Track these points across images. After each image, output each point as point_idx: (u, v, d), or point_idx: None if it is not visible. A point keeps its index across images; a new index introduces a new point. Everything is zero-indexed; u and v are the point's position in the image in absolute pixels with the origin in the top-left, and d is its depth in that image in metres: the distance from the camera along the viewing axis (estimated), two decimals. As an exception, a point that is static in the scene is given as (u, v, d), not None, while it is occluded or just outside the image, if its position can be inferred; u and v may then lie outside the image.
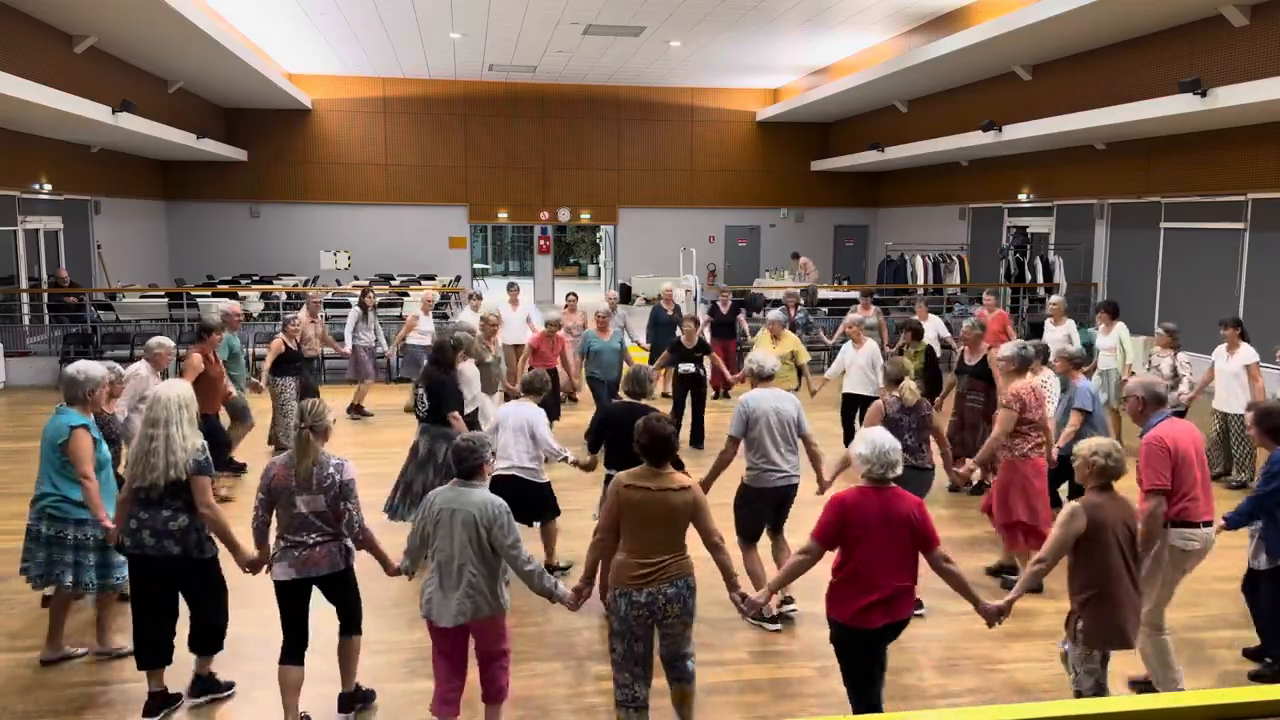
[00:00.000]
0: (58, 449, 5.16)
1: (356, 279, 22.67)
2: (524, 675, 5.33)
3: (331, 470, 4.52)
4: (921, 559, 4.24)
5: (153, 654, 4.79)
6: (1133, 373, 10.04)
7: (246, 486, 9.00)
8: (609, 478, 5.99)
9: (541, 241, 26.84)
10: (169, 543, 4.62)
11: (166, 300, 16.48)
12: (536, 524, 6.68)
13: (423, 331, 12.46)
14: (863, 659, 4.25)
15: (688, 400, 10.47)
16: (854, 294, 19.03)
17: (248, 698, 5.07)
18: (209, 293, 17.28)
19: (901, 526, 4.11)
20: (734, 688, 5.22)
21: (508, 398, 9.74)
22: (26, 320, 16.36)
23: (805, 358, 10.26)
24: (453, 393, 7.05)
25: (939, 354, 10.78)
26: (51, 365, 14.69)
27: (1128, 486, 4.60)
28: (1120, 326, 10.40)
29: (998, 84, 18.10)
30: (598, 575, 4.60)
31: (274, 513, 4.60)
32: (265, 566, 4.74)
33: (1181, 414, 9.22)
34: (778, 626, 5.91)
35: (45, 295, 16.41)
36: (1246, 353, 8.82)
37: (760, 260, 26.33)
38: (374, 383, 12.41)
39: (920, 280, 19.87)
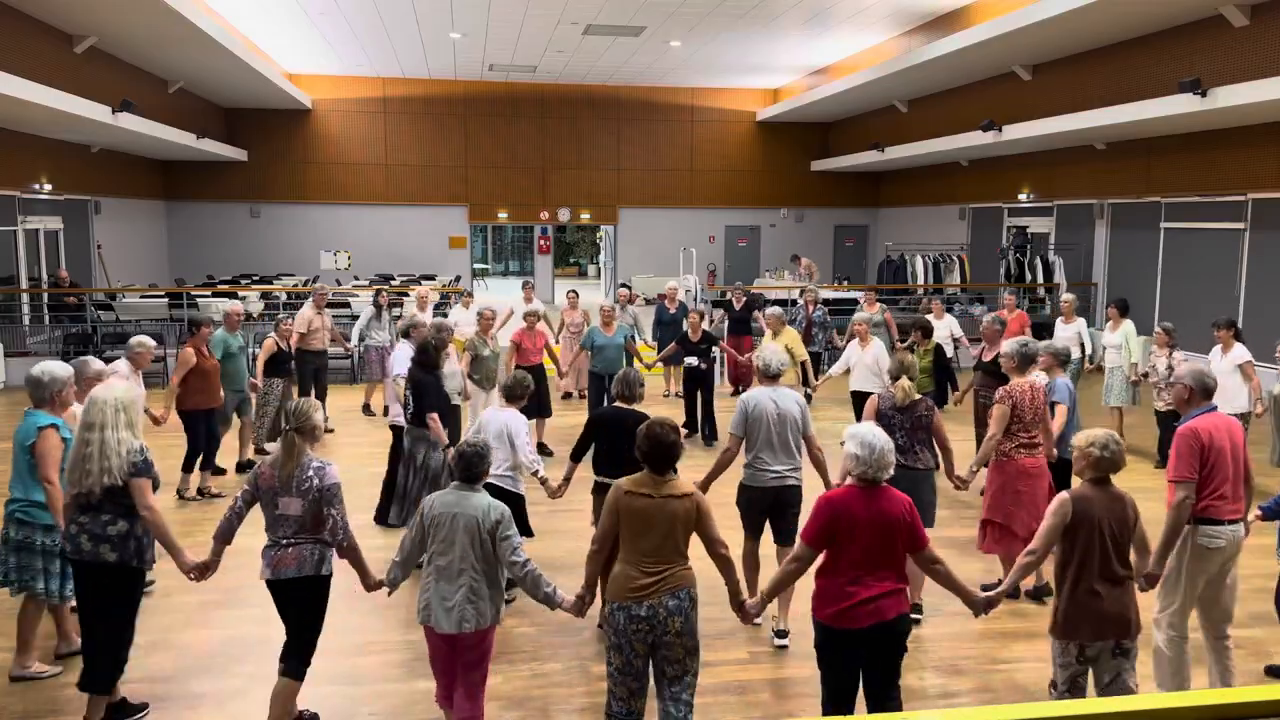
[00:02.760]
0: (27, 450, 5.05)
1: (356, 279, 22.69)
2: (524, 675, 5.33)
3: (311, 474, 4.39)
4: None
5: (96, 678, 4.58)
6: (1143, 374, 10.08)
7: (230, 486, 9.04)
8: (598, 485, 5.93)
9: (541, 241, 26.83)
10: (105, 548, 4.47)
11: (166, 300, 16.48)
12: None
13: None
14: (844, 664, 4.03)
15: (698, 396, 10.49)
16: (854, 294, 19.08)
17: (247, 697, 5.07)
18: (209, 293, 17.29)
19: (891, 527, 3.98)
20: (734, 688, 5.22)
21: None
22: (27, 320, 16.37)
23: (802, 353, 10.24)
24: (433, 393, 6.99)
25: (952, 352, 10.81)
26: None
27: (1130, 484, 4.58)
28: (1128, 324, 10.45)
29: (998, 84, 18.10)
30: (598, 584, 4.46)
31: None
32: (209, 571, 4.56)
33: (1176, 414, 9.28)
34: (784, 642, 5.73)
35: (45, 295, 16.42)
36: (1239, 352, 8.90)
37: (760, 260, 26.32)
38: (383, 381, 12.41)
39: (920, 280, 19.86)
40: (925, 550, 4.07)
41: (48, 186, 16.54)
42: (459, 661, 4.33)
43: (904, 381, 6.13)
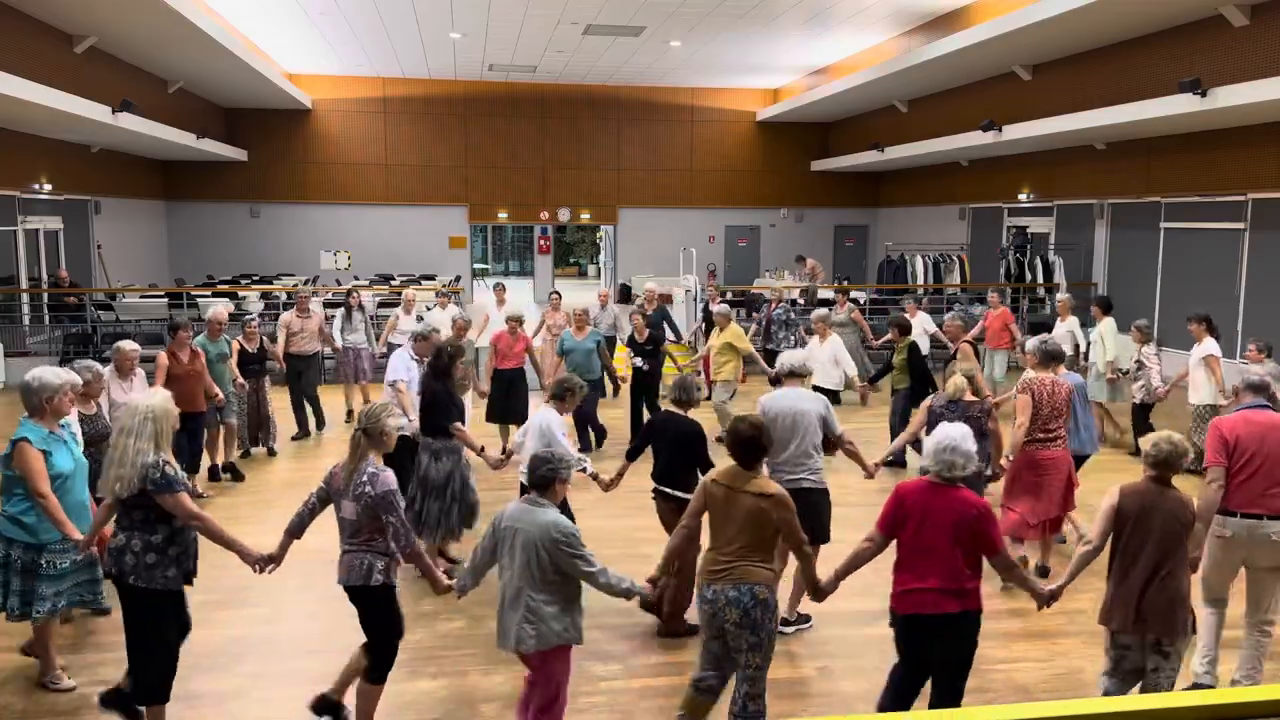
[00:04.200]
0: (4, 464, 4.94)
1: (356, 279, 22.67)
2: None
3: (365, 480, 4.35)
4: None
5: (148, 690, 4.47)
6: (1120, 369, 10.41)
7: (231, 490, 9.03)
8: (657, 491, 5.94)
9: (541, 241, 26.83)
10: (110, 561, 4.36)
11: (166, 300, 16.47)
12: None
13: (402, 331, 11.92)
14: (902, 647, 4.32)
15: (643, 398, 10.41)
16: (854, 294, 19.07)
17: (247, 697, 5.07)
18: (209, 293, 17.28)
19: (950, 528, 4.11)
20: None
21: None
22: (27, 320, 16.37)
23: (747, 348, 10.35)
24: (449, 402, 6.73)
25: (928, 349, 11.34)
26: (52, 366, 14.68)
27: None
28: (1107, 321, 10.60)
29: (998, 84, 18.10)
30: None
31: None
32: (276, 563, 4.58)
33: (1149, 406, 9.82)
34: (790, 630, 5.82)
35: (45, 295, 16.41)
36: (1207, 345, 9.16)
37: (760, 260, 26.32)
38: (368, 384, 11.97)
39: (920, 280, 19.87)
40: (997, 556, 4.23)
41: (48, 186, 16.53)
42: (534, 683, 4.30)
43: (956, 378, 6.48)
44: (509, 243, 43.92)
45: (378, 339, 12.36)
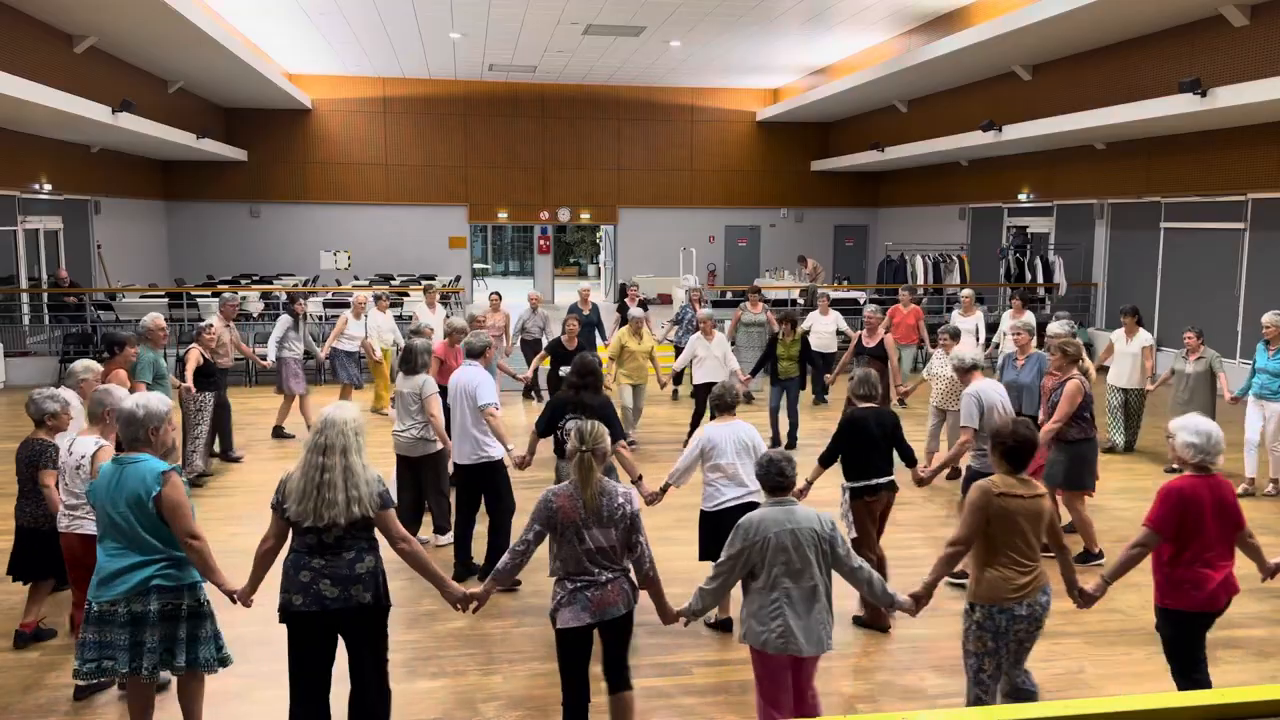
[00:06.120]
0: (145, 504, 4.09)
1: (357, 279, 22.69)
2: (524, 675, 5.33)
3: (621, 500, 4.13)
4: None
5: None
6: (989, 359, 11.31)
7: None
8: (855, 491, 5.89)
9: (541, 241, 26.84)
10: (357, 589, 3.97)
11: (166, 300, 16.47)
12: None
13: (350, 336, 11.71)
14: (1199, 641, 4.41)
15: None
16: (854, 294, 19.10)
17: (249, 698, 5.07)
18: (209, 293, 17.27)
19: (1229, 511, 4.32)
20: (734, 688, 5.22)
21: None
22: (26, 320, 16.37)
23: (651, 351, 10.55)
24: (616, 419, 6.21)
25: (837, 346, 12.59)
26: (51, 365, 14.70)
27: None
28: (978, 314, 11.92)
29: (998, 84, 18.11)
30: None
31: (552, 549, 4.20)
32: (480, 604, 4.32)
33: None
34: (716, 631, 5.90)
35: (45, 295, 16.42)
36: (1143, 337, 10.00)
37: (760, 260, 26.34)
38: (304, 395, 11.04)
39: (920, 280, 19.88)
40: (1245, 528, 4.42)
41: (48, 186, 16.54)
42: (802, 680, 4.19)
43: (1087, 363, 7.28)
44: (509, 243, 43.94)
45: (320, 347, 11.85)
